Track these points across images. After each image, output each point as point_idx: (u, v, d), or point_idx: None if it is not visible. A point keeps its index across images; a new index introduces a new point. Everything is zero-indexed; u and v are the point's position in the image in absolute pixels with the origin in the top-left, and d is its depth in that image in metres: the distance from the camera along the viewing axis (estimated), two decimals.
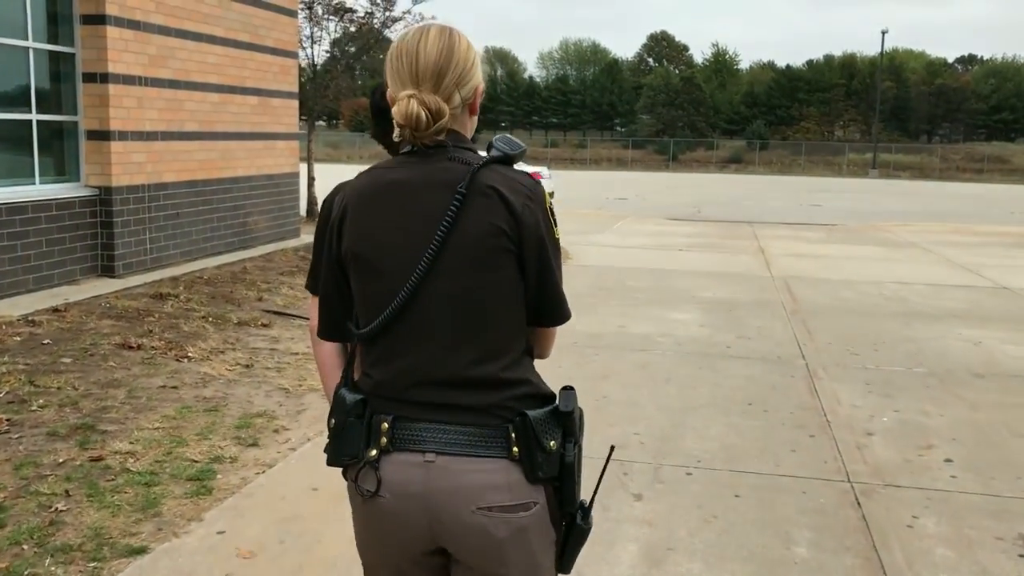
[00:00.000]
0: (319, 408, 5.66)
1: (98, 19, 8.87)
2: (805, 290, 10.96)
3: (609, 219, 20.87)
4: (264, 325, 7.88)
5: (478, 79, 1.88)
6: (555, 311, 1.91)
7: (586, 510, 1.92)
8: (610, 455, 2.10)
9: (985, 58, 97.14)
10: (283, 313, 8.45)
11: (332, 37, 16.37)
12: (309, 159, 16.67)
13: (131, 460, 4.63)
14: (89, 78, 9.00)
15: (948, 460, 5.07)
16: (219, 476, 4.52)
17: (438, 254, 1.77)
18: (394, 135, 1.85)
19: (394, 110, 1.80)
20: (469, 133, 1.94)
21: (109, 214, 9.14)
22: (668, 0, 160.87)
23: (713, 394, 6.28)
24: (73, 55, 8.94)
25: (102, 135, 9.07)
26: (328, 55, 16.57)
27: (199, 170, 10.62)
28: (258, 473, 4.60)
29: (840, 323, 8.93)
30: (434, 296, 1.78)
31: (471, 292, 1.79)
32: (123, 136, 9.23)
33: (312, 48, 16.32)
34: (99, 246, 9.19)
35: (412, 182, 1.82)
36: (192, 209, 10.50)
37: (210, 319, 7.84)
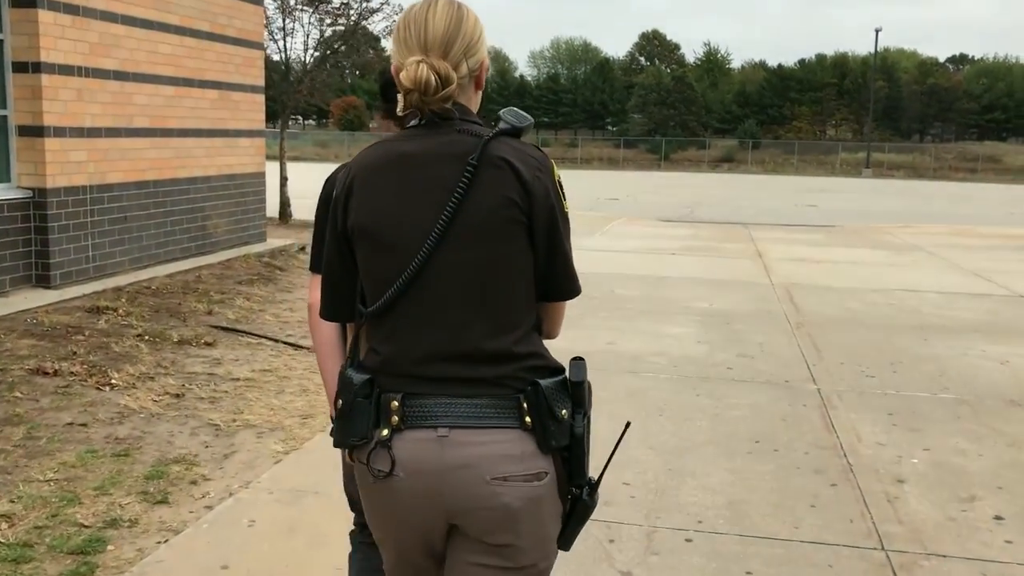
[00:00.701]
0: (250, 450, 4.81)
1: (29, 2, 7.99)
2: (808, 299, 10.14)
3: (600, 221, 20.02)
4: (208, 344, 7.01)
5: (484, 54, 1.88)
6: (565, 284, 1.90)
7: (593, 486, 1.90)
8: (625, 431, 2.03)
9: (976, 58, 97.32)
10: (232, 329, 7.59)
11: (306, 29, 15.47)
12: (281, 158, 15.81)
13: (4, 526, 3.77)
14: (20, 68, 8.11)
15: (998, 518, 4.24)
16: (109, 548, 3.66)
17: (449, 226, 1.74)
18: (399, 106, 1.81)
19: (402, 75, 1.78)
20: (475, 108, 1.90)
21: (44, 218, 8.26)
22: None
23: (714, 429, 5.43)
24: (0, 42, 8.05)
25: (35, 131, 8.18)
26: (305, 49, 15.70)
27: (151, 170, 9.74)
28: (160, 542, 3.74)
29: (850, 338, 8.10)
30: (445, 269, 1.76)
31: (482, 264, 1.77)
32: (60, 132, 8.35)
33: (285, 41, 15.45)
34: (33, 253, 8.30)
35: (421, 154, 1.80)
36: (143, 212, 9.61)
37: (147, 337, 6.97)
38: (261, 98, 12.06)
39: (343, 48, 16.76)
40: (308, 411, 5.51)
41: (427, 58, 1.78)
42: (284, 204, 15.72)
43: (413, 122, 1.86)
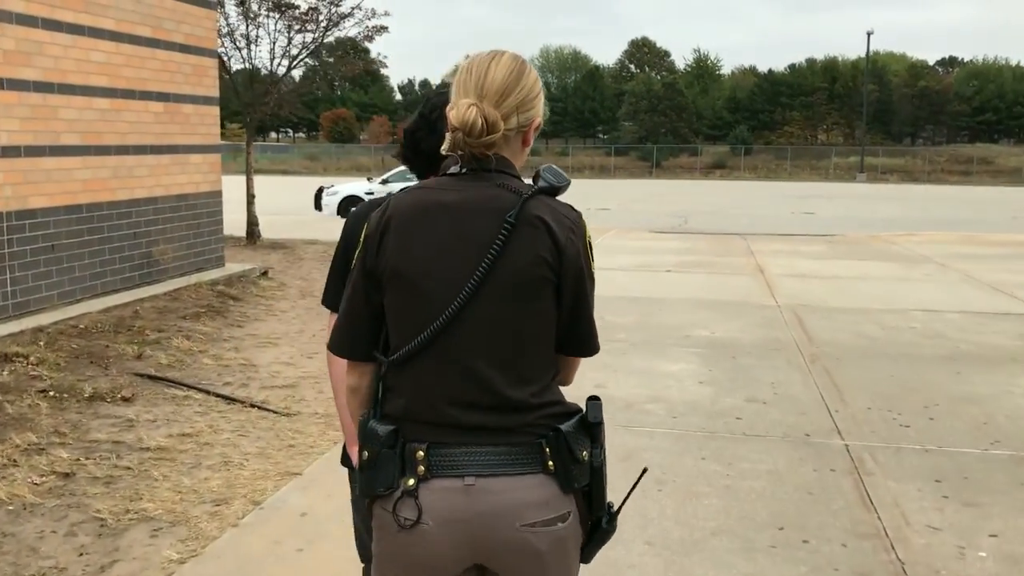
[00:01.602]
0: (137, 558, 3.76)
1: None
2: (819, 324, 9.12)
3: (589, 234, 19.00)
4: (124, 399, 5.96)
5: (538, 112, 1.93)
6: (586, 343, 1.95)
7: (612, 514, 1.97)
8: (641, 476, 2.13)
9: (966, 60, 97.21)
10: (158, 378, 6.54)
11: (273, 36, 14.47)
12: (248, 174, 14.79)
13: None
14: None
15: None
16: None
17: (483, 280, 1.79)
18: (444, 147, 1.86)
19: (451, 114, 1.82)
20: (519, 164, 1.94)
21: None
22: (649, 6, 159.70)
23: (727, 509, 4.40)
24: None
25: None
26: (272, 58, 14.67)
27: (83, 192, 8.70)
28: None
29: (873, 374, 7.09)
30: (473, 322, 1.80)
31: (510, 320, 1.81)
32: None
33: (249, 49, 14.43)
34: None
35: (460, 205, 1.83)
36: (74, 240, 8.57)
37: (52, 393, 5.92)
38: (215, 110, 11.03)
39: (313, 58, 15.72)
40: (224, 494, 4.47)
41: (480, 103, 1.82)
42: (251, 223, 14.67)
43: (453, 169, 1.89)
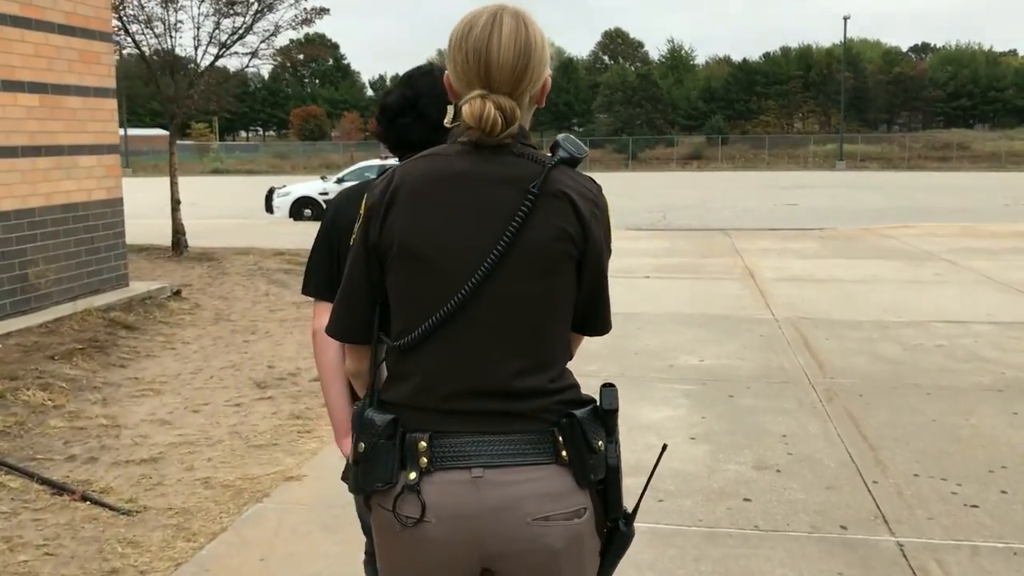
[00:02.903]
0: None
1: None
2: (828, 344, 7.62)
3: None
4: None
5: (548, 72, 1.77)
6: (603, 321, 1.87)
7: (629, 516, 1.83)
8: (662, 453, 2.01)
9: (938, 46, 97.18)
10: None
11: (197, 21, 12.80)
12: (172, 176, 13.14)
13: None
14: None
15: None
16: None
17: (504, 255, 1.66)
18: (447, 120, 1.73)
19: (464, 110, 1.67)
20: (527, 124, 1.80)
21: None
22: None
23: None
24: None
25: None
26: (196, 46, 13.02)
27: None
28: None
29: (908, 416, 5.58)
30: (491, 300, 1.67)
31: (529, 297, 1.69)
32: None
33: (171, 36, 12.76)
34: None
35: (477, 175, 1.69)
36: None
37: None
38: (111, 104, 9.39)
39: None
40: None
41: (492, 94, 1.67)
42: (177, 232, 13.00)
43: (463, 138, 1.71)
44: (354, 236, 1.77)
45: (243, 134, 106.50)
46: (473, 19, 1.71)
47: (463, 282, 1.66)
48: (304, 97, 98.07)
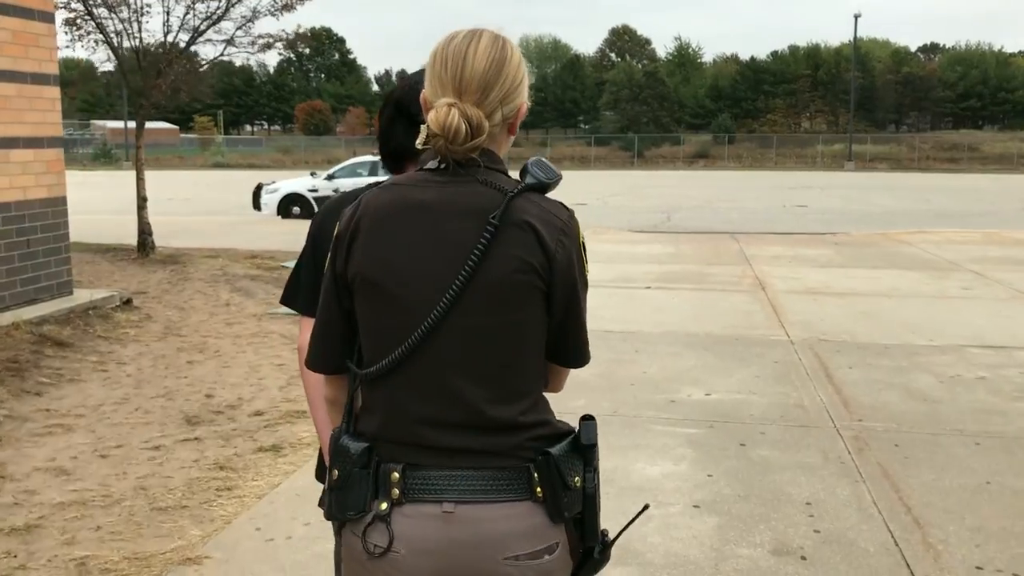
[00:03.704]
0: None
1: None
2: (852, 374, 6.65)
3: (583, 235, 16.46)
4: None
5: (523, 98, 1.75)
6: (577, 353, 1.79)
7: (606, 544, 1.79)
8: (641, 512, 1.96)
9: (947, 46, 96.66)
10: None
11: (167, 6, 11.84)
12: (139, 171, 12.18)
13: None
14: None
15: None
16: None
17: (464, 288, 1.63)
18: (418, 142, 1.67)
19: (429, 117, 1.65)
20: (503, 152, 1.77)
21: None
22: None
23: None
24: None
25: None
26: (166, 32, 12.04)
27: None
28: None
29: (957, 477, 4.61)
30: (454, 333, 1.64)
31: (493, 331, 1.65)
32: None
33: (138, 20, 11.79)
34: None
35: (438, 205, 1.66)
36: None
37: None
38: (54, 92, 8.44)
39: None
40: None
41: (460, 102, 1.64)
42: (143, 232, 12.05)
43: (431, 164, 1.70)
44: (326, 265, 1.75)
45: (248, 128, 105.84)
46: (455, 32, 1.72)
47: (424, 315, 1.63)
48: (309, 92, 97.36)
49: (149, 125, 72.16)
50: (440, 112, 1.62)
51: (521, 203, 1.65)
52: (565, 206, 1.73)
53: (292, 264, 9.23)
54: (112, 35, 11.89)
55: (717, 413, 5.68)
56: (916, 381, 6.46)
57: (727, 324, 8.45)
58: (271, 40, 12.59)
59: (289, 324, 8.30)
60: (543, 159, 1.72)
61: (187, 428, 5.45)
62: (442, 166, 1.68)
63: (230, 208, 23.66)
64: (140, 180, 12.07)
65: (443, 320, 1.62)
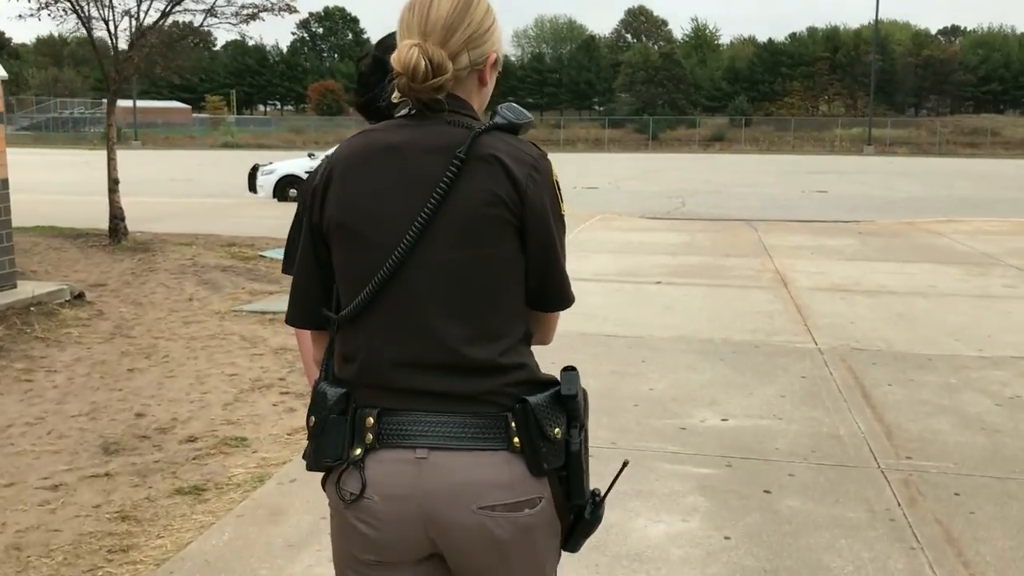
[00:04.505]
0: None
1: None
2: (894, 393, 5.71)
3: (568, 222, 15.50)
4: None
5: (493, 46, 1.74)
6: (557, 295, 1.77)
7: (596, 503, 1.76)
8: (622, 469, 1.92)
9: (969, 28, 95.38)
10: None
11: None
12: (110, 151, 11.28)
13: None
14: None
15: None
16: None
17: (429, 222, 1.62)
18: (389, 88, 1.70)
19: (393, 57, 1.66)
20: (477, 105, 1.77)
21: None
22: None
23: None
24: None
25: None
26: (139, 4, 11.09)
27: None
28: None
29: None
30: (425, 268, 1.64)
31: (466, 266, 1.64)
32: None
33: None
34: None
35: (405, 145, 1.68)
36: None
37: None
38: None
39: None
40: None
41: (423, 43, 1.65)
42: (115, 217, 11.16)
43: (403, 111, 1.72)
44: (304, 220, 1.74)
45: (261, 108, 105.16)
46: None
47: (392, 252, 1.62)
48: (322, 71, 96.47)
49: (161, 104, 71.25)
50: (402, 51, 1.63)
51: (489, 139, 1.66)
52: (536, 145, 1.72)
53: (271, 253, 8.27)
54: (82, 3, 10.97)
55: (736, 446, 4.75)
56: (970, 404, 5.51)
57: (746, 328, 7.50)
58: (255, 10, 11.63)
59: (252, 324, 7.41)
60: (515, 104, 1.73)
61: (101, 459, 4.56)
62: (412, 112, 1.68)
63: (229, 189, 22.75)
64: (111, 160, 11.17)
65: (410, 255, 1.61)
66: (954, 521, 3.86)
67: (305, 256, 1.74)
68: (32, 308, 7.41)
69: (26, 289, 7.75)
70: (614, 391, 5.68)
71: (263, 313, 7.74)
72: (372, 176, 1.66)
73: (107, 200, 11.18)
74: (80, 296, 7.98)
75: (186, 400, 5.52)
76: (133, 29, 11.17)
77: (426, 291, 1.62)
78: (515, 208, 1.63)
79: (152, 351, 6.65)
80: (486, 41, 1.72)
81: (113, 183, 11.15)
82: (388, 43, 2.13)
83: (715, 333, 7.31)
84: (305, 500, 4.00)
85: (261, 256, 10.36)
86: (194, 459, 4.57)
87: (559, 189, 1.73)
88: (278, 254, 10.40)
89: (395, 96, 1.68)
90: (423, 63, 1.61)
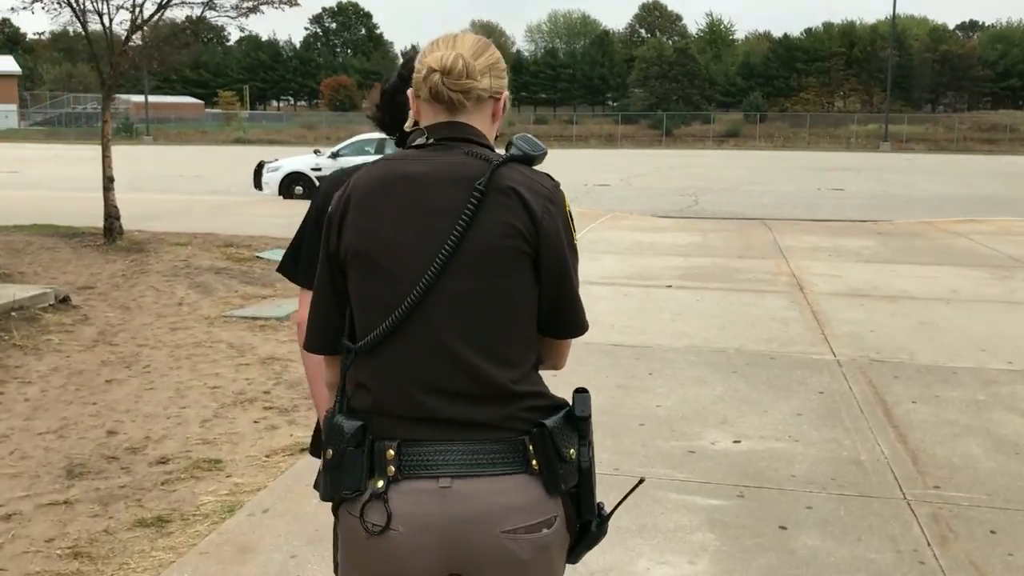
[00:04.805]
0: None
1: None
2: (918, 411, 5.33)
3: (577, 220, 14.92)
4: None
5: (505, 86, 1.83)
6: (572, 323, 1.81)
7: (603, 517, 1.83)
8: (636, 486, 1.99)
9: (988, 24, 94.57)
10: None
11: None
12: (105, 150, 10.96)
13: None
14: None
15: None
16: None
17: (453, 254, 1.66)
18: (407, 124, 1.82)
19: (426, 61, 1.73)
20: (489, 137, 1.82)
21: None
22: None
23: None
24: None
25: None
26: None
27: None
28: None
29: None
30: (444, 300, 1.67)
31: (483, 296, 1.68)
32: None
33: None
34: None
35: (425, 176, 1.71)
36: None
37: None
38: None
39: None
40: None
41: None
42: (110, 216, 10.85)
43: (419, 141, 1.77)
44: (321, 246, 1.77)
45: (274, 103, 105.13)
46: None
47: (414, 283, 1.65)
48: (335, 67, 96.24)
49: (174, 99, 71.17)
50: (437, 54, 1.71)
51: (506, 171, 1.70)
52: (551, 176, 1.78)
53: (268, 254, 7.91)
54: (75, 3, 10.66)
55: (749, 473, 4.38)
56: (1001, 423, 5.13)
57: (760, 336, 7.13)
58: (255, 3, 11.30)
59: (241, 331, 7.07)
60: (529, 135, 1.78)
61: (63, 484, 4.23)
62: (429, 141, 1.74)
63: (235, 186, 22.47)
64: (106, 158, 10.86)
65: (433, 287, 1.64)
66: (991, 565, 3.48)
67: (322, 285, 1.76)
68: (13, 313, 7.10)
69: (8, 293, 7.44)
70: (619, 408, 5.32)
71: (254, 319, 7.41)
72: (391, 206, 1.69)
73: (119, 196, 10.88)
74: (65, 300, 7.67)
75: (163, 415, 5.19)
76: (130, 23, 10.84)
77: (443, 321, 1.65)
78: (531, 239, 1.67)
79: (134, 360, 6.33)
80: (502, 77, 1.79)
81: (108, 180, 10.85)
82: (413, 63, 2.19)
83: (728, 342, 6.94)
84: (276, 535, 3.66)
85: (258, 257, 10.03)
86: (163, 484, 4.23)
87: (572, 219, 1.78)
88: (275, 255, 10.07)
89: (408, 124, 1.77)
90: (459, 61, 1.70)
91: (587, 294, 6.59)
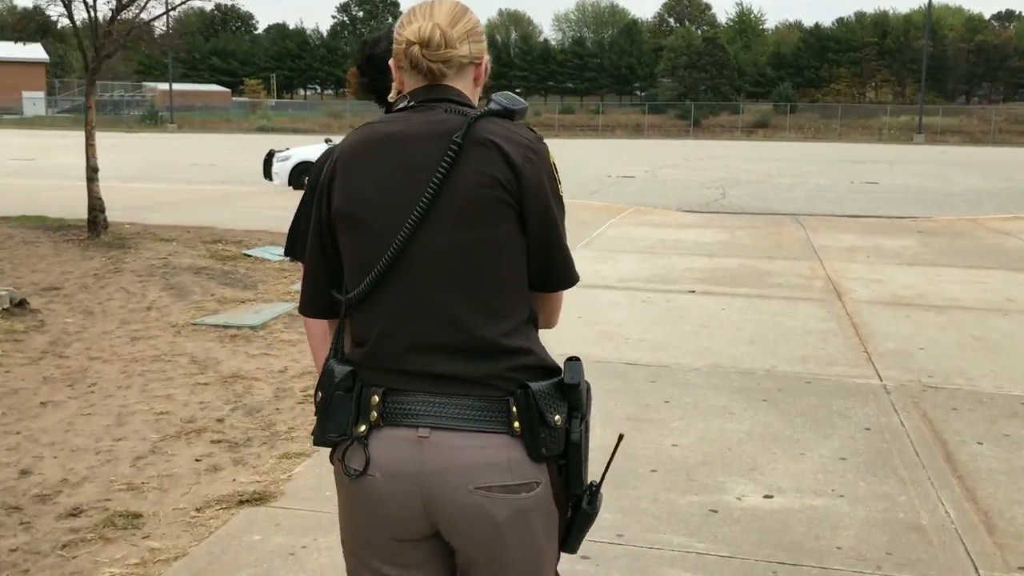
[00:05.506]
0: None
1: None
2: (986, 455, 4.47)
3: (599, 214, 14.30)
4: None
5: (484, 50, 1.82)
6: (561, 274, 1.79)
7: (593, 493, 1.79)
8: (618, 444, 1.91)
9: None
10: None
11: None
12: (88, 139, 10.24)
13: None
14: None
15: None
16: None
17: (430, 207, 1.66)
18: (391, 93, 1.81)
19: (405, 33, 1.73)
20: (472, 101, 1.80)
21: None
22: None
23: None
24: None
25: None
26: None
27: None
28: None
29: None
30: (427, 252, 1.67)
31: (467, 248, 1.66)
32: None
33: None
34: None
35: (404, 134, 1.72)
36: None
37: None
38: None
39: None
40: None
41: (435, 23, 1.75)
42: (94, 209, 10.12)
43: (402, 104, 1.77)
44: (312, 214, 1.78)
45: (301, 92, 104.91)
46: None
47: (395, 238, 1.64)
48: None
49: (201, 87, 70.92)
50: (415, 26, 1.71)
51: (485, 124, 1.69)
52: (532, 129, 1.76)
53: (257, 252, 7.07)
54: None
55: (783, 542, 3.55)
56: None
57: (794, 354, 6.27)
58: None
59: (209, 341, 6.30)
60: (509, 92, 1.75)
61: None
62: (411, 104, 1.73)
63: (249, 176, 21.76)
64: (90, 147, 10.14)
65: (413, 240, 1.64)
66: None
67: (315, 251, 1.78)
68: None
69: None
70: (628, 448, 4.49)
71: (225, 327, 6.63)
72: (374, 166, 1.70)
73: (111, 185, 10.18)
74: (22, 303, 6.94)
75: (91, 450, 4.43)
76: (115, 3, 10.11)
77: (429, 275, 1.65)
78: (513, 190, 1.67)
79: (80, 377, 5.57)
80: (481, 41, 1.80)
81: (92, 171, 10.12)
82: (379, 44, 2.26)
83: (757, 361, 6.09)
84: None
85: (245, 255, 9.25)
86: (63, 547, 3.46)
87: (556, 171, 1.76)
88: (265, 252, 9.32)
89: (391, 95, 1.80)
90: (437, 32, 1.70)
91: (601, 301, 5.59)
